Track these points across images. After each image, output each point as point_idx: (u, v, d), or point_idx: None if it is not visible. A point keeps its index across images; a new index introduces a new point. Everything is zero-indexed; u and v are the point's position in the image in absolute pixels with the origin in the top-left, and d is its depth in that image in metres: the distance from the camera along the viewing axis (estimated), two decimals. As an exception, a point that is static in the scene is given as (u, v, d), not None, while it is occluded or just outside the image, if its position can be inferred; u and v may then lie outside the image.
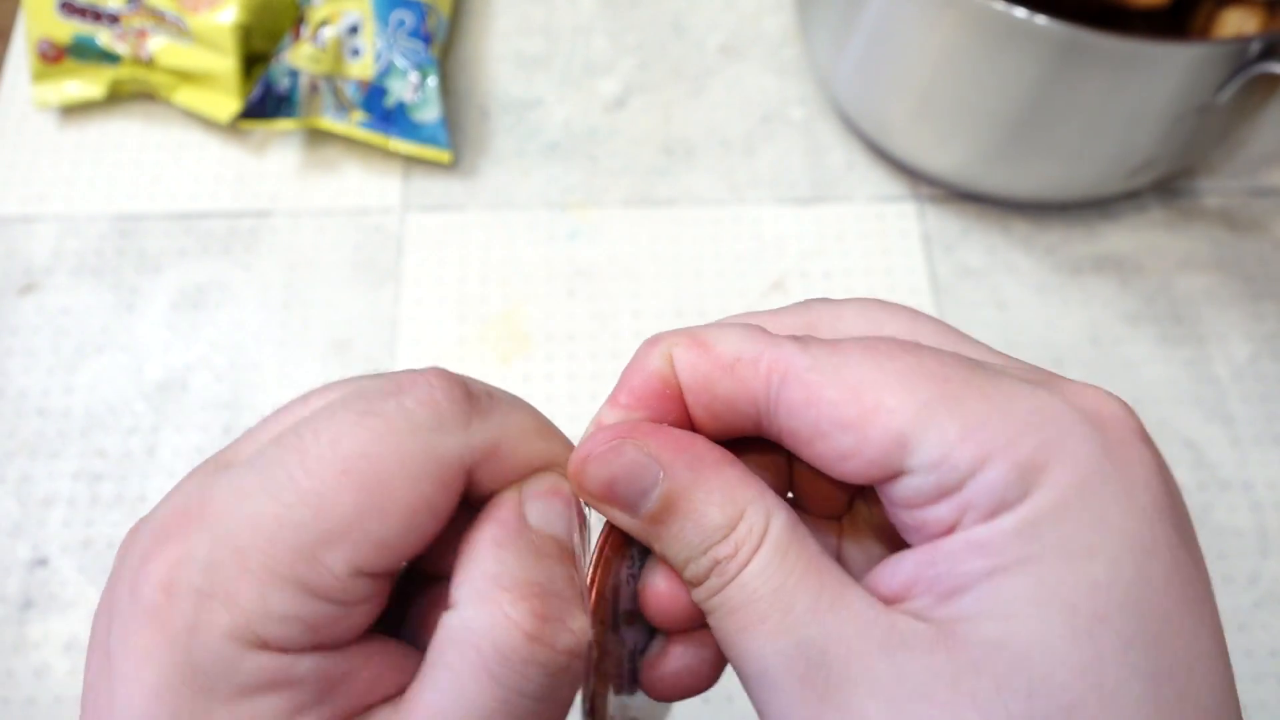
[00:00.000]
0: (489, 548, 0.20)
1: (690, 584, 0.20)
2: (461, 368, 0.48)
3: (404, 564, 0.19)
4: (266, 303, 0.50)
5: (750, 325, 0.21)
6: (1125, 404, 0.19)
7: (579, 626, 0.20)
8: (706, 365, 0.20)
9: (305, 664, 0.18)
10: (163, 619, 0.18)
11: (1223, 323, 0.50)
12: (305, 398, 0.21)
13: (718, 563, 0.20)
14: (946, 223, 0.52)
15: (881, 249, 0.52)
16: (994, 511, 0.18)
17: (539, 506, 0.21)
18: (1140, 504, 0.18)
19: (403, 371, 0.21)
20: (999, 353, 0.21)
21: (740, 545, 0.19)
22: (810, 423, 0.19)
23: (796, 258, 0.51)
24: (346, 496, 0.18)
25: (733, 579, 0.19)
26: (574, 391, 0.48)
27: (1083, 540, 0.17)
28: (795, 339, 0.20)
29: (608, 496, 0.20)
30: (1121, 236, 0.52)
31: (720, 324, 0.21)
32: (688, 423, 0.21)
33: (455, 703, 0.18)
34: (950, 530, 0.18)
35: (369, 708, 0.19)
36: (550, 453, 0.21)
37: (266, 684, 0.18)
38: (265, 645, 0.18)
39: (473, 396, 0.20)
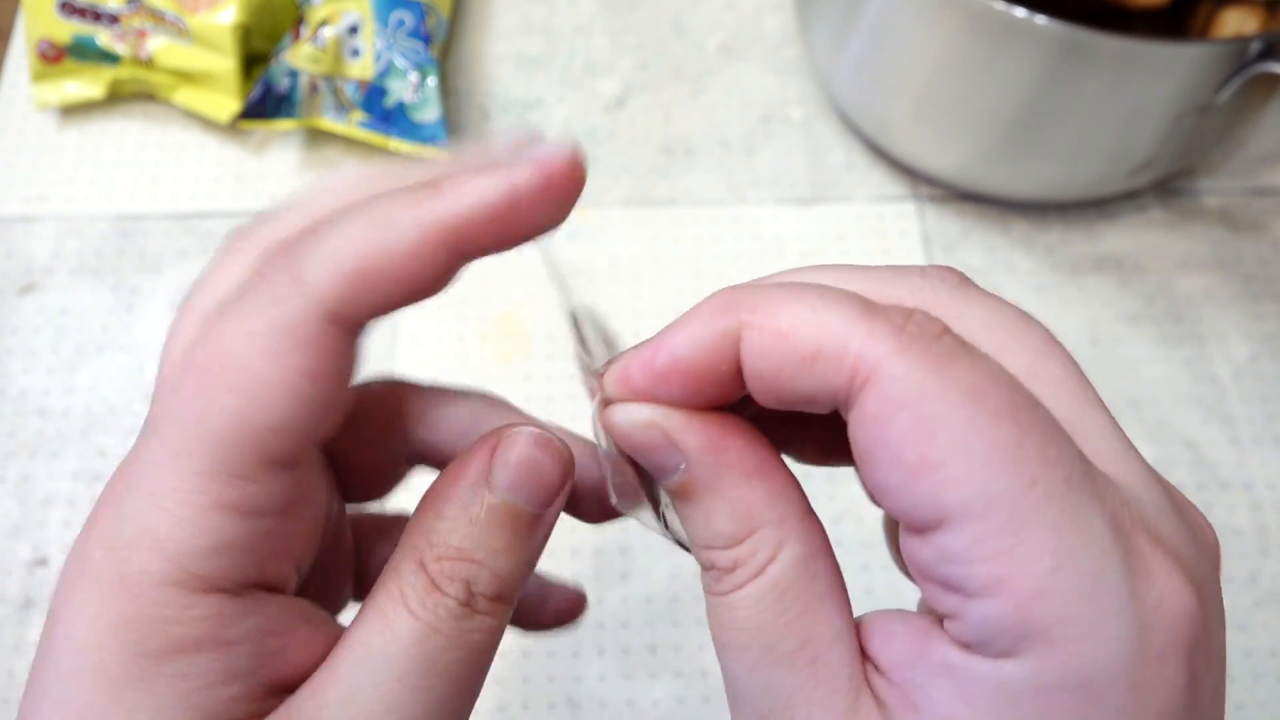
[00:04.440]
0: (433, 518, 0.20)
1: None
2: (462, 368, 0.48)
3: (321, 438, 0.19)
4: (266, 303, 0.50)
5: (844, 296, 0.17)
6: (1199, 604, 0.16)
7: (507, 603, 0.20)
8: (781, 357, 0.17)
9: (244, 625, 0.18)
10: (97, 574, 0.18)
11: (1223, 323, 0.50)
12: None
13: (714, 568, 0.19)
14: (946, 223, 0.52)
15: (881, 249, 0.52)
16: (977, 643, 0.16)
17: (507, 477, 0.20)
18: None
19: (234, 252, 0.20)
20: (1119, 433, 0.18)
21: (739, 564, 0.18)
22: (869, 439, 0.17)
23: (796, 258, 0.51)
24: (221, 402, 0.18)
25: (724, 595, 0.18)
26: (574, 391, 0.48)
27: None
28: (899, 325, 0.17)
29: (632, 453, 0.20)
30: (1121, 236, 0.52)
31: (807, 289, 0.18)
32: (734, 394, 0.19)
33: (380, 662, 0.19)
34: (937, 610, 0.17)
35: (296, 685, 0.19)
36: (415, 235, 0.18)
37: (200, 641, 0.18)
38: (203, 585, 0.18)
39: (293, 248, 0.19)
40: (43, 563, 0.44)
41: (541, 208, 0.19)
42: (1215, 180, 0.54)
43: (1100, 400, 0.18)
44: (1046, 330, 0.19)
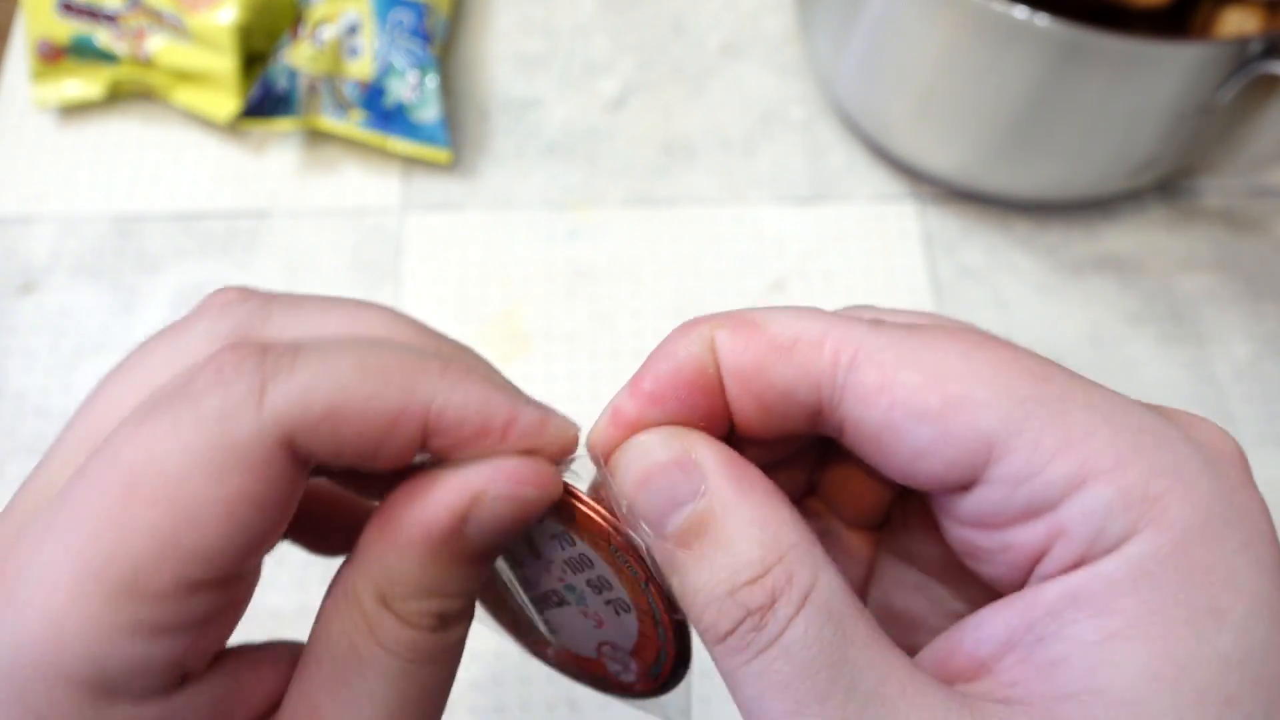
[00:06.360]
0: (394, 558, 0.17)
1: (712, 642, 0.17)
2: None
3: (253, 561, 0.17)
4: (266, 303, 0.49)
5: (806, 306, 0.18)
6: (1236, 442, 0.17)
7: (473, 608, 0.19)
8: (759, 348, 0.17)
9: (189, 705, 0.17)
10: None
11: (1223, 323, 0.50)
12: (111, 383, 0.18)
13: (749, 614, 0.16)
14: (947, 223, 0.52)
15: (881, 249, 0.52)
16: (1092, 544, 0.15)
17: (482, 531, 0.18)
18: (1263, 559, 0.15)
19: (197, 330, 0.18)
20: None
21: (778, 595, 0.16)
22: (882, 411, 0.16)
23: (796, 258, 0.51)
24: (143, 515, 0.15)
25: (774, 641, 0.16)
26: (574, 392, 0.48)
27: (1208, 599, 0.15)
28: (860, 316, 0.17)
29: (637, 498, 0.18)
30: (1122, 236, 0.52)
31: (768, 308, 0.18)
32: (725, 421, 0.18)
33: (356, 695, 0.18)
34: (1036, 558, 0.16)
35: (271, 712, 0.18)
36: (400, 398, 0.17)
37: None
38: (129, 697, 0.16)
39: (269, 358, 0.16)
40: (41, 563, 0.43)
41: (524, 477, 0.18)
42: (1216, 180, 0.54)
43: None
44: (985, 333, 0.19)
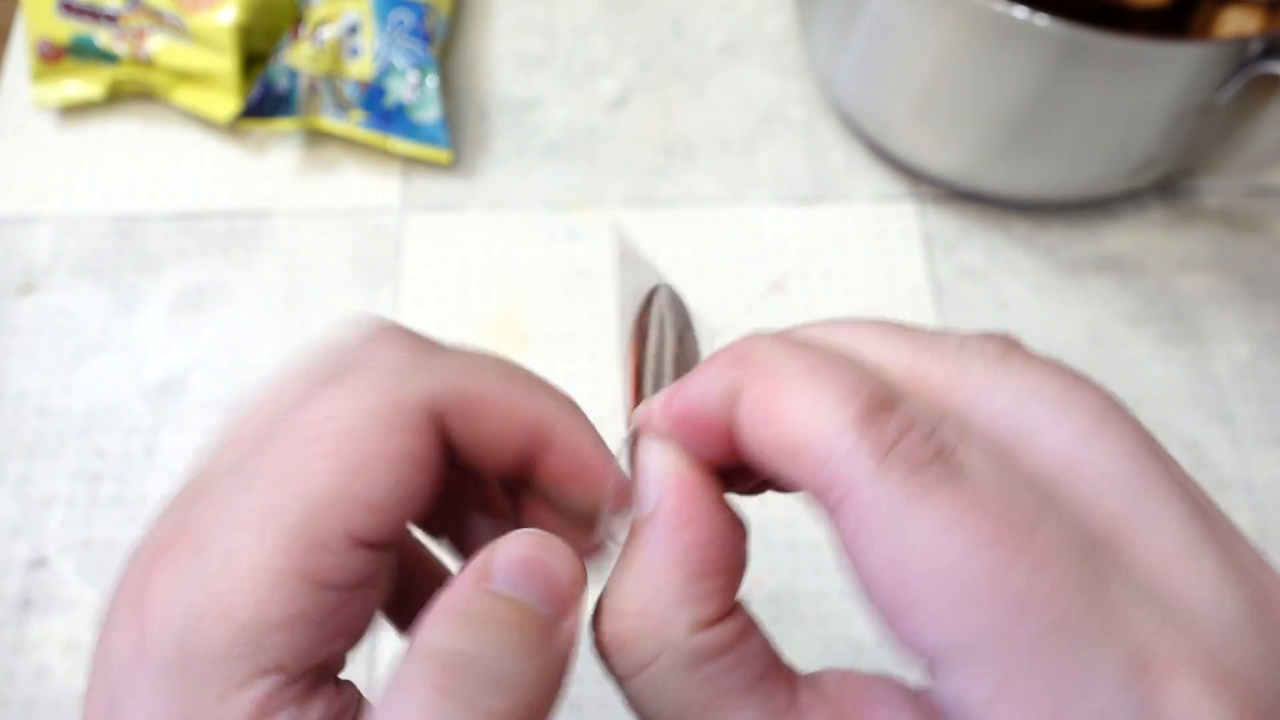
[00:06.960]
0: (433, 625, 0.18)
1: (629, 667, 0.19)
2: (461, 368, 0.48)
3: (402, 529, 0.18)
4: (266, 303, 0.50)
5: (850, 390, 0.16)
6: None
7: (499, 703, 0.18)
8: (767, 439, 0.17)
9: (312, 712, 0.17)
10: (158, 654, 0.17)
11: (1223, 323, 0.50)
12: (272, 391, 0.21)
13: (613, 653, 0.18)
14: (946, 223, 0.52)
15: (881, 249, 0.52)
16: None
17: (507, 573, 0.18)
18: None
19: (355, 334, 0.20)
20: (1193, 521, 0.16)
21: (632, 648, 0.18)
22: (848, 558, 0.16)
23: (796, 258, 0.51)
24: (321, 465, 0.17)
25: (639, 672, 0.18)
26: (574, 391, 0.47)
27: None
28: (888, 444, 0.15)
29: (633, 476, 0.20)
30: (1122, 236, 0.52)
31: (821, 368, 0.17)
32: (729, 448, 0.18)
33: None
34: None
35: None
36: (529, 406, 0.20)
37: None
38: (268, 663, 0.17)
39: (419, 339, 0.20)
40: (41, 563, 0.43)
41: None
42: (1216, 180, 0.54)
43: (1171, 478, 0.16)
44: (1102, 398, 0.16)
